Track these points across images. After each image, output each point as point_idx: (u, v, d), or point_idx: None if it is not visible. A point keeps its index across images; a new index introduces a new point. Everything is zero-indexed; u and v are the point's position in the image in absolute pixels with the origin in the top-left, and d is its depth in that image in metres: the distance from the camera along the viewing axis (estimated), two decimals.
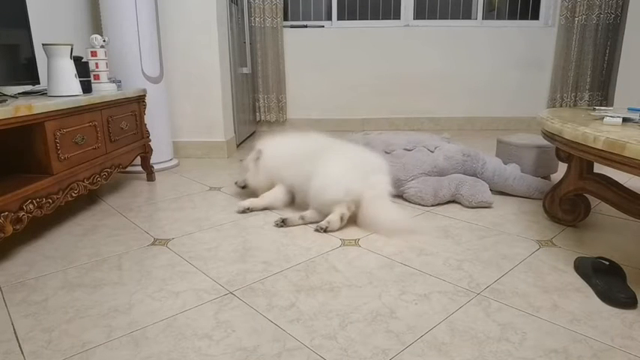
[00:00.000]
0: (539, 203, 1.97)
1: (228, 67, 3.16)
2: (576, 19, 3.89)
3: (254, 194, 2.06)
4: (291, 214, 1.79)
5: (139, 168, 2.51)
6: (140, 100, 2.37)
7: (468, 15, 4.24)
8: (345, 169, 1.76)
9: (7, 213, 1.37)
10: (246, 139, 3.74)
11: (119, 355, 0.99)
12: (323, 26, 4.12)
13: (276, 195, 1.97)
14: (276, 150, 2.05)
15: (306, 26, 4.10)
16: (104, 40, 2.22)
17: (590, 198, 1.66)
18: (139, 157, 2.41)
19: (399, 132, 2.59)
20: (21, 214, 1.43)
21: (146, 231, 1.74)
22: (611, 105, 3.70)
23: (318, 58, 4.13)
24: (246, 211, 1.95)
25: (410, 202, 2.05)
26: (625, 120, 1.51)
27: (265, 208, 1.96)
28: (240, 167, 2.22)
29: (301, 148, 1.95)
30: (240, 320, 1.12)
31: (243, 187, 2.16)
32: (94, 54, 2.17)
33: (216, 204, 2.07)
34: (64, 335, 1.06)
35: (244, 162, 2.16)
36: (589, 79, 4.02)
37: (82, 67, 2.00)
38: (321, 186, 1.74)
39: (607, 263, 1.30)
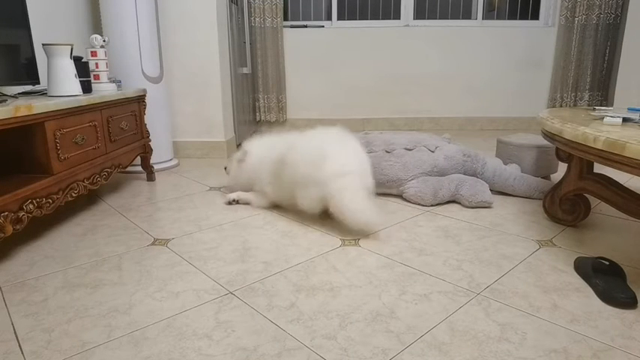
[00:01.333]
0: (539, 203, 1.97)
1: (228, 67, 3.16)
2: (576, 19, 3.88)
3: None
4: None
5: (139, 168, 2.51)
6: (140, 100, 2.37)
7: (468, 15, 4.24)
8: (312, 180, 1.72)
9: (7, 213, 1.37)
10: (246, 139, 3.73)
11: (119, 355, 0.99)
12: (323, 26, 4.12)
13: (259, 199, 2.02)
14: (261, 158, 2.01)
15: (306, 26, 4.10)
16: (104, 40, 2.22)
17: (590, 198, 1.66)
18: (139, 157, 2.41)
19: (399, 132, 2.59)
20: (21, 214, 1.43)
21: (146, 231, 1.74)
22: (611, 105, 3.70)
23: (318, 58, 4.13)
24: (233, 202, 2.05)
25: (410, 201, 2.05)
26: (625, 120, 1.51)
27: (247, 203, 2.05)
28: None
29: (280, 158, 1.88)
30: (240, 320, 1.12)
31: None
32: (94, 54, 2.17)
33: (216, 204, 2.07)
34: (64, 335, 1.06)
35: (231, 156, 2.19)
36: (589, 79, 4.02)
37: (82, 67, 2.00)
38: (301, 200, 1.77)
39: (607, 263, 1.30)
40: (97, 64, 2.18)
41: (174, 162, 2.86)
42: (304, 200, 1.75)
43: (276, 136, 2.11)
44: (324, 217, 1.78)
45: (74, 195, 1.73)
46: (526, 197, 2.09)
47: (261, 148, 2.07)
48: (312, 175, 1.69)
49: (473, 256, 1.47)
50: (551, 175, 2.32)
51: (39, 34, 2.10)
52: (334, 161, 1.69)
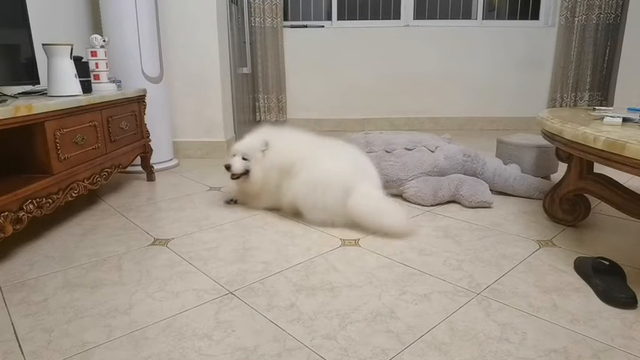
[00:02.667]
0: (539, 203, 1.97)
1: (228, 67, 3.16)
2: (576, 19, 3.88)
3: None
4: None
5: (139, 168, 2.51)
6: (140, 100, 2.37)
7: (468, 15, 4.24)
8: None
9: (7, 213, 1.37)
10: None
11: (119, 355, 0.99)
12: (323, 26, 4.12)
13: (266, 202, 1.95)
14: (280, 156, 1.87)
15: (306, 26, 4.10)
16: (104, 40, 2.22)
17: (590, 198, 1.66)
18: (139, 157, 2.41)
19: (399, 132, 2.58)
20: (21, 214, 1.43)
21: (146, 231, 1.74)
22: (611, 105, 3.70)
23: (318, 58, 4.13)
24: (231, 202, 2.05)
25: (409, 201, 2.04)
26: (625, 120, 1.51)
27: (245, 203, 2.03)
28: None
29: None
30: (240, 320, 1.12)
31: (236, 177, 1.91)
32: (94, 54, 2.17)
33: (217, 204, 2.07)
34: (64, 335, 1.06)
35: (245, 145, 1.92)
36: (589, 79, 4.02)
37: (82, 67, 2.00)
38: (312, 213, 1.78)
39: (607, 263, 1.29)
40: (97, 64, 2.18)
41: (174, 162, 2.86)
42: (316, 216, 1.76)
43: (285, 132, 2.00)
44: None
45: (74, 195, 1.73)
46: (526, 197, 2.09)
47: (281, 145, 1.90)
48: (333, 203, 1.70)
49: (473, 256, 1.47)
50: (551, 175, 2.32)
51: (39, 34, 2.10)
52: (358, 189, 1.70)
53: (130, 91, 2.26)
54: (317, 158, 1.80)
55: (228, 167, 1.89)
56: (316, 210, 1.74)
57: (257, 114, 4.19)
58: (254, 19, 3.91)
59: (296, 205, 1.80)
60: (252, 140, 1.93)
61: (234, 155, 1.92)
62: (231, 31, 3.15)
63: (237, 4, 3.42)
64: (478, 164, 2.14)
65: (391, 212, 1.67)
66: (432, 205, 2.00)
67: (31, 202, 1.48)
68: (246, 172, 1.89)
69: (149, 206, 2.05)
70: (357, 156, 1.90)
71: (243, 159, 1.90)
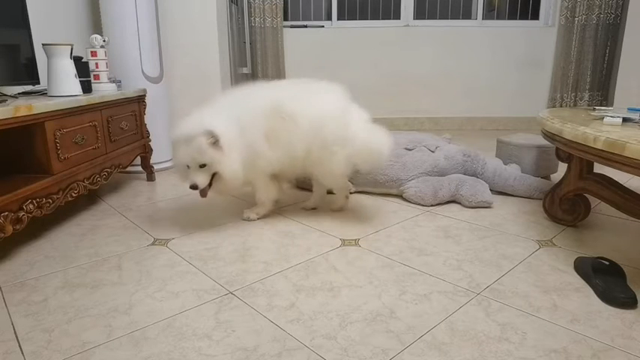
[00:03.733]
0: (539, 203, 1.97)
1: (228, 67, 3.16)
2: (576, 19, 3.89)
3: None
4: None
5: (139, 168, 2.51)
6: (140, 100, 2.37)
7: (468, 15, 4.24)
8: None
9: (7, 213, 1.37)
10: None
11: (119, 355, 0.99)
12: (323, 26, 4.12)
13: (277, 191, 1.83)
14: (239, 130, 1.61)
15: (306, 26, 4.10)
16: (104, 40, 2.22)
17: (590, 198, 1.66)
18: (139, 157, 2.41)
19: (399, 132, 2.58)
20: (21, 214, 1.43)
21: (146, 231, 1.74)
22: (611, 105, 3.70)
23: (318, 58, 4.12)
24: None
25: (410, 201, 2.04)
26: (625, 120, 1.51)
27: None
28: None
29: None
30: (240, 320, 1.12)
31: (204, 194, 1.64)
32: (94, 54, 2.17)
33: (217, 204, 2.06)
34: (64, 335, 1.06)
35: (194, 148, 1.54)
36: (589, 79, 4.02)
37: (82, 67, 2.00)
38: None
39: (607, 263, 1.30)
40: (97, 64, 2.18)
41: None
42: (336, 166, 1.72)
43: (224, 99, 1.77)
44: (324, 217, 1.78)
45: (74, 195, 1.73)
46: (526, 197, 2.09)
47: (229, 120, 1.61)
48: (340, 135, 1.73)
49: (473, 256, 1.47)
50: (551, 175, 2.32)
51: (39, 34, 2.10)
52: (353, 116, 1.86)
53: (129, 91, 2.26)
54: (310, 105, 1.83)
55: (194, 187, 1.57)
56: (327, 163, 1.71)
57: None
58: (254, 19, 3.91)
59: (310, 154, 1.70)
60: (189, 146, 1.53)
61: (188, 167, 1.57)
62: (231, 31, 3.15)
63: (237, 4, 3.42)
64: (478, 164, 2.14)
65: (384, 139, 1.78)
66: (432, 205, 2.00)
67: (31, 202, 1.48)
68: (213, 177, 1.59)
69: (149, 206, 2.05)
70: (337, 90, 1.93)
71: (201, 166, 1.57)
